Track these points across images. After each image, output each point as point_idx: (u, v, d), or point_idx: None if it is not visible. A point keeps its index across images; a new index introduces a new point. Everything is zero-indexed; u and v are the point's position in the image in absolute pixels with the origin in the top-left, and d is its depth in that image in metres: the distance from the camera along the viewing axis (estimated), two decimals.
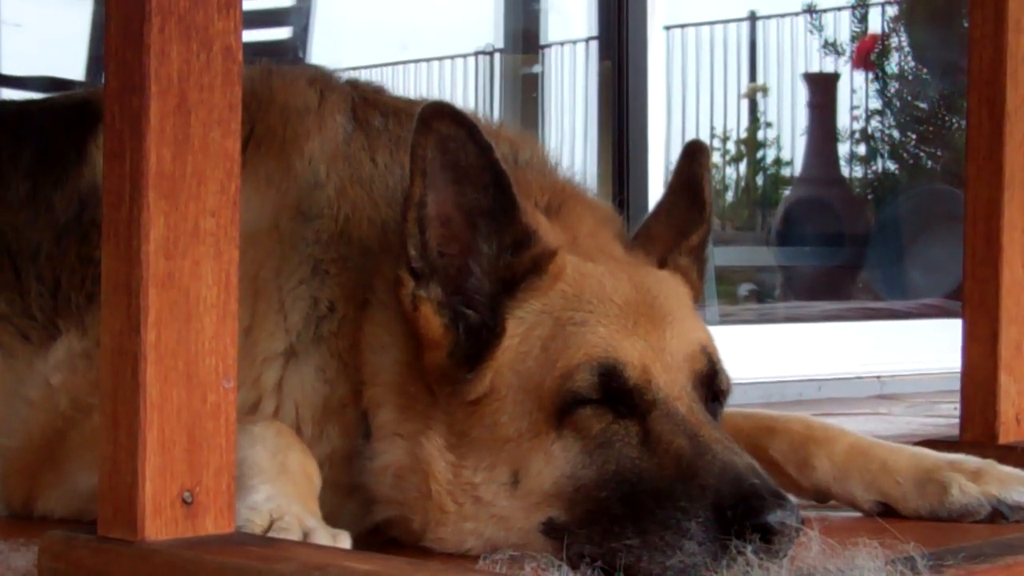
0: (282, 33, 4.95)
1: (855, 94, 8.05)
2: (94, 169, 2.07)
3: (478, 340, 1.80)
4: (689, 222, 2.03)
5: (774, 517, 1.61)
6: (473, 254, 1.82)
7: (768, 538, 1.60)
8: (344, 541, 1.62)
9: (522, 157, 2.05)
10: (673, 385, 1.78)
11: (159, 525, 1.40)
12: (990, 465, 2.08)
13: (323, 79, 2.14)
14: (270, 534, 1.57)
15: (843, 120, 7.93)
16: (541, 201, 1.94)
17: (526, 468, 1.76)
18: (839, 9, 8.19)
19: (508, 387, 1.79)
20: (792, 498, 1.68)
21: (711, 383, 1.85)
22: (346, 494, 1.87)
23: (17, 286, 2.11)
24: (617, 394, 1.76)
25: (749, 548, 1.56)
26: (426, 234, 1.79)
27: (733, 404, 1.97)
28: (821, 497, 2.11)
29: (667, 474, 1.70)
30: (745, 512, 1.62)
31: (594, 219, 1.99)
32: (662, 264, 1.97)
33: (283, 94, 2.06)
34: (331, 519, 1.70)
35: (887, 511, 2.06)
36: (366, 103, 2.09)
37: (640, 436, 1.74)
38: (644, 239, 2.03)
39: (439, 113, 1.77)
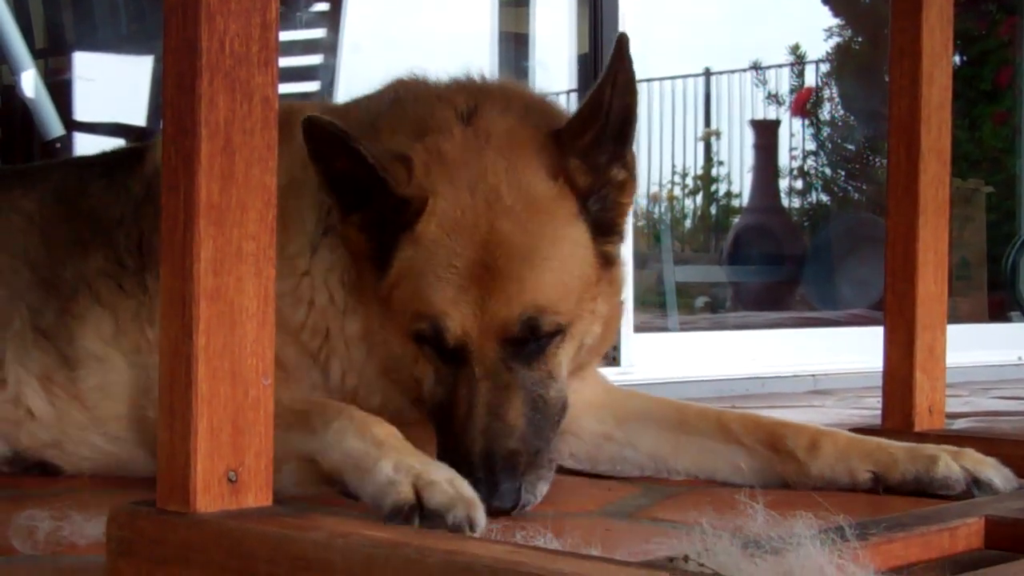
0: (313, 87, 4.95)
1: (793, 137, 8.08)
2: (154, 161, 2.21)
3: (383, 259, 1.94)
4: (591, 119, 1.96)
5: (492, 479, 1.79)
6: (370, 210, 1.93)
7: (492, 492, 1.77)
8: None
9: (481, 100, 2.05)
10: (483, 348, 1.87)
11: (208, 499, 1.40)
12: (968, 451, 2.06)
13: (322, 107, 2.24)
14: (422, 490, 1.65)
15: (783, 159, 7.95)
16: (462, 108, 1.99)
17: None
18: (780, 66, 8.22)
19: (396, 300, 1.93)
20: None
21: (527, 338, 1.89)
22: None
23: (108, 241, 2.22)
24: (443, 347, 1.88)
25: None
26: (338, 192, 1.95)
27: (699, 398, 1.98)
28: (824, 477, 2.09)
29: (459, 415, 1.85)
30: (483, 467, 1.80)
31: (515, 116, 2.00)
32: (563, 167, 1.95)
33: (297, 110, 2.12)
34: None
35: (878, 484, 2.05)
36: None
37: (453, 380, 1.88)
38: (568, 132, 1.98)
39: (314, 124, 1.87)
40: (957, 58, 7.28)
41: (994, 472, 2.01)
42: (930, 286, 2.35)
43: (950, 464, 2.01)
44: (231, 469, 1.41)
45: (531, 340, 1.88)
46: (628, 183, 2.02)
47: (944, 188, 2.38)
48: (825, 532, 1.39)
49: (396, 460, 1.71)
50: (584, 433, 2.25)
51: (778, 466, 2.11)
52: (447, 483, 1.66)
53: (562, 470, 2.24)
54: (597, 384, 2.30)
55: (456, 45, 5.24)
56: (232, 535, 1.36)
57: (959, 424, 3.01)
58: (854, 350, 4.44)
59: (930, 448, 2.05)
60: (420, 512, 1.62)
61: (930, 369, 2.35)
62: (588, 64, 4.16)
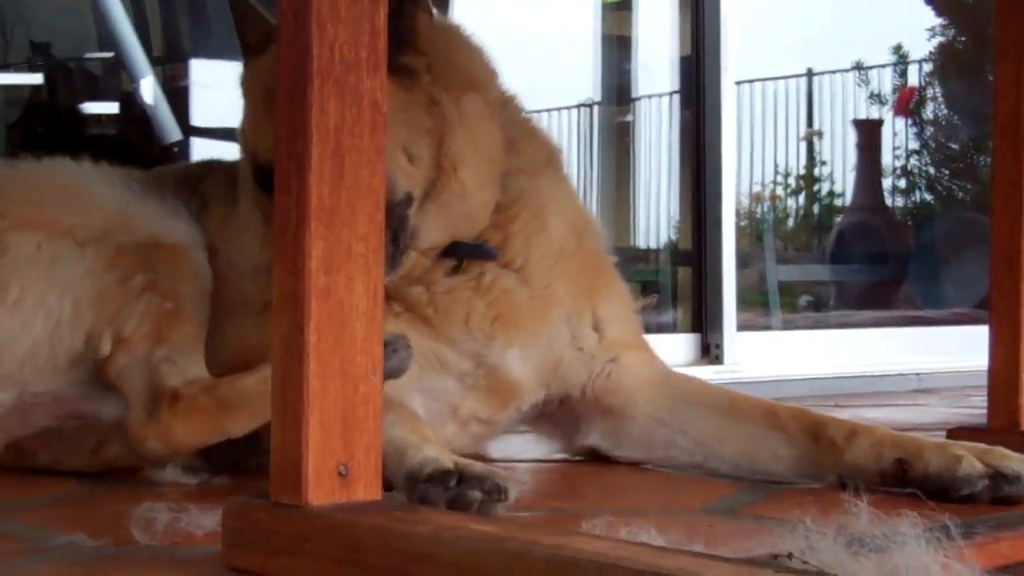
0: None
1: (896, 137, 7.98)
2: None
3: None
4: None
5: None
6: None
7: None
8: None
9: None
10: None
11: (319, 493, 1.41)
12: (998, 448, 2.00)
13: None
14: (460, 464, 1.64)
15: (887, 159, 7.85)
16: None
17: None
18: (883, 66, 8.11)
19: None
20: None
21: None
22: None
23: None
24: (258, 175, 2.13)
25: None
26: None
27: (798, 399, 1.96)
28: (856, 463, 2.03)
29: None
30: None
31: None
32: None
33: None
34: None
35: (901, 470, 1.98)
36: None
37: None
38: None
39: None
40: None
41: (1019, 465, 1.92)
42: None
43: (973, 463, 1.92)
44: (341, 463, 1.43)
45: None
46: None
47: None
48: (930, 531, 1.37)
49: (439, 450, 1.73)
50: (639, 416, 2.25)
51: (814, 454, 2.08)
52: (483, 465, 1.67)
53: (621, 462, 2.28)
54: (653, 366, 2.30)
55: (560, 47, 5.24)
56: (343, 527, 1.37)
57: None
58: (959, 349, 4.38)
59: (958, 447, 1.98)
60: (458, 478, 1.63)
61: None
62: (691, 66, 4.14)
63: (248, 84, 2.15)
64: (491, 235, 2.13)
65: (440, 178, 2.03)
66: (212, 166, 2.53)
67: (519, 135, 2.20)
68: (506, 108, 2.21)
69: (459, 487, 1.62)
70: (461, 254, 2.11)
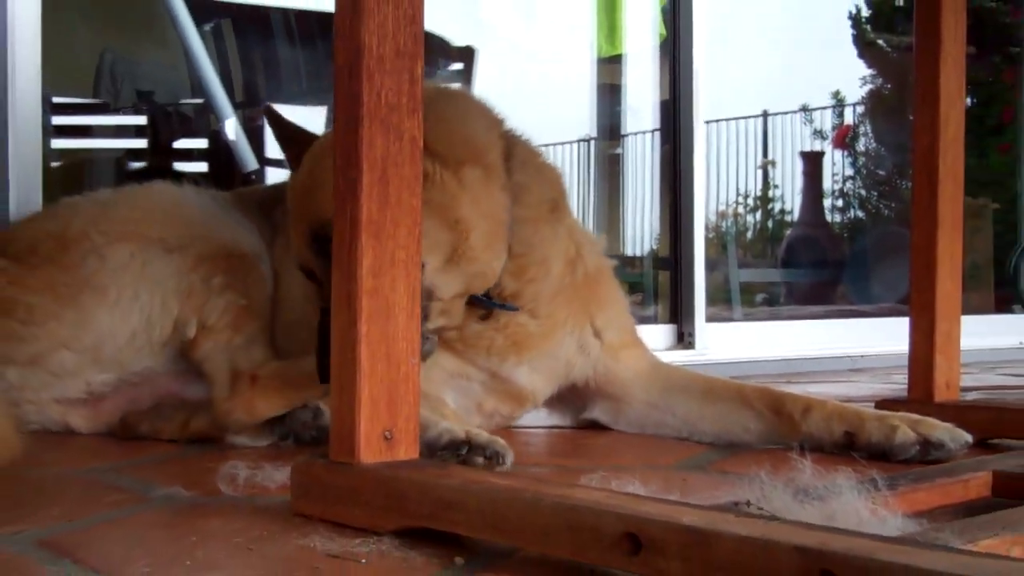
0: None
1: (835, 165, 7.98)
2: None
3: None
4: None
5: None
6: None
7: None
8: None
9: None
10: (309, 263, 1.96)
11: (369, 453, 1.41)
12: (927, 419, 2.00)
13: None
14: (471, 435, 1.71)
15: (827, 183, 7.84)
16: None
17: None
18: (824, 108, 8.12)
19: None
20: None
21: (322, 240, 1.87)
22: None
23: None
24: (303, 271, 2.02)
25: None
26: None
27: (756, 377, 1.95)
28: (811, 434, 2.02)
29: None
30: None
31: None
32: None
33: None
34: None
35: (849, 441, 1.97)
36: None
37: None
38: None
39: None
40: (969, 100, 7.12)
41: (944, 433, 1.92)
42: (947, 285, 2.30)
43: (907, 432, 1.92)
44: (386, 429, 1.43)
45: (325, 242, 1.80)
46: None
47: (958, 205, 2.32)
48: (861, 483, 1.37)
49: (455, 424, 1.76)
50: (634, 401, 2.25)
51: (777, 426, 2.07)
52: (489, 435, 1.71)
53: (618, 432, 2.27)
54: (647, 360, 2.28)
55: (563, 93, 5.24)
56: (388, 481, 1.37)
57: (971, 396, 2.94)
58: (885, 337, 4.36)
59: (895, 418, 1.96)
60: (468, 446, 1.68)
61: (947, 352, 2.30)
62: (669, 108, 4.14)
63: (289, 196, 2.03)
64: (508, 283, 2.05)
65: (458, 243, 1.89)
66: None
67: (526, 181, 2.06)
68: (514, 152, 2.06)
69: (468, 454, 1.67)
70: (490, 307, 2.06)
